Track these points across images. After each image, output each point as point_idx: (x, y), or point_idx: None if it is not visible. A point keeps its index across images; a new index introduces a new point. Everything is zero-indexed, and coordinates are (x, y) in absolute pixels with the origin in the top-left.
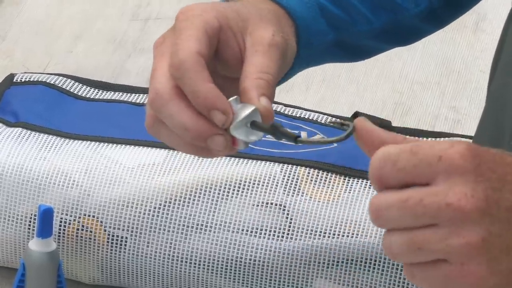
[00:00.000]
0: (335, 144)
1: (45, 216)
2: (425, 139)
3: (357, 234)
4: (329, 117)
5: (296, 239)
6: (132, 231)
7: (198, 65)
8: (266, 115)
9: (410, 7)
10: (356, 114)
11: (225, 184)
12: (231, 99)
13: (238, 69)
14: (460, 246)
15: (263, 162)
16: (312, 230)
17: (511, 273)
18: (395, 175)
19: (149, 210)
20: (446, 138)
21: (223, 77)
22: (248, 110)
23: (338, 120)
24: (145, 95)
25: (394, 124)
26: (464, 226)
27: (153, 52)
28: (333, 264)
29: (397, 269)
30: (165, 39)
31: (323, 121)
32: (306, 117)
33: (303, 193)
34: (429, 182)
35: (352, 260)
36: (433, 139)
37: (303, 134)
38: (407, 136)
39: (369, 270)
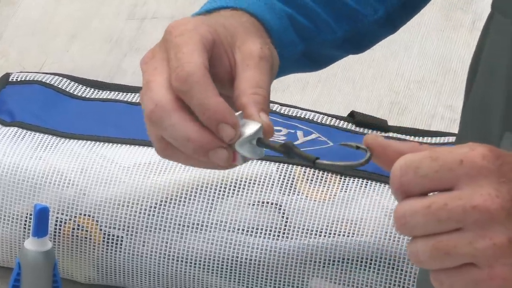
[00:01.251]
0: (331, 143)
1: (41, 216)
2: (429, 139)
3: (353, 233)
4: (325, 117)
5: (292, 238)
6: (128, 230)
7: (206, 78)
8: (268, 131)
9: (369, 13)
10: (352, 114)
11: (221, 183)
12: (236, 114)
13: (229, 84)
14: (487, 248)
15: (259, 161)
16: (308, 229)
17: None
18: (417, 182)
19: (145, 209)
20: (442, 137)
21: None
22: (254, 128)
23: (352, 143)
24: None
25: (390, 123)
26: (490, 227)
27: (142, 67)
28: (329, 263)
29: (392, 268)
30: (154, 54)
31: (318, 120)
32: (302, 116)
33: (299, 192)
34: (452, 187)
35: (348, 259)
36: (430, 138)
37: (299, 134)
38: (422, 143)
39: (365, 269)
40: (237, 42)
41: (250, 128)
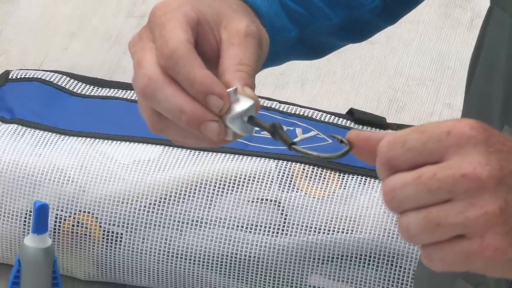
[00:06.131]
0: (330, 141)
1: (41, 212)
2: None
3: (352, 230)
4: (324, 114)
5: (291, 235)
6: (127, 227)
7: (190, 52)
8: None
9: (366, 2)
10: (351, 111)
11: (220, 180)
12: (229, 89)
13: (216, 64)
14: (479, 217)
15: (258, 158)
16: (307, 226)
17: None
18: (405, 155)
19: (145, 206)
20: None
21: None
22: (247, 104)
23: (338, 136)
24: None
25: (389, 120)
26: (480, 196)
27: (130, 50)
28: (328, 260)
29: (391, 265)
30: (141, 36)
31: (317, 118)
32: (300, 113)
33: (298, 189)
34: (440, 158)
35: (346, 256)
36: None
37: (298, 131)
38: None
39: (363, 266)
40: (223, 21)
41: (243, 104)
